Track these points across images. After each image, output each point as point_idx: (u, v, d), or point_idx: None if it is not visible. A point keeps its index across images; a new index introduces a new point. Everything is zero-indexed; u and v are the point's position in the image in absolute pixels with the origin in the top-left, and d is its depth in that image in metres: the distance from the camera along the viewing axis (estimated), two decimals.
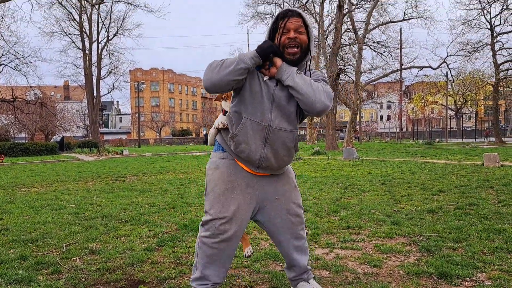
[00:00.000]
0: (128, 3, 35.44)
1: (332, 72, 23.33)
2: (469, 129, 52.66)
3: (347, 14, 25.51)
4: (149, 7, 43.15)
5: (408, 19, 27.81)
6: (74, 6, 38.01)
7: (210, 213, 2.19)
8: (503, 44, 30.76)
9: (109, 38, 40.24)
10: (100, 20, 39.54)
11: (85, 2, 33.96)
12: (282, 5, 35.39)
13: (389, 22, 28.57)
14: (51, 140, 35.70)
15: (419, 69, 27.58)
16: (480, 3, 29.38)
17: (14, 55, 24.49)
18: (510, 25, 29.47)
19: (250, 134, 2.08)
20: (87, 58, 38.73)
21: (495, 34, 30.19)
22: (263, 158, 2.12)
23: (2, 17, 29.40)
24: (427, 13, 44.31)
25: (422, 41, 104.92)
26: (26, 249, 3.63)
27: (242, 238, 2.77)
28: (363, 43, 26.05)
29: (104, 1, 35.86)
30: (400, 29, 37.85)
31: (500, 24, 30.05)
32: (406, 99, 62.09)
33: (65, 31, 38.77)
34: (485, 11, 29.83)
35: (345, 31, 27.81)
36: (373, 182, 7.86)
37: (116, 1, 35.97)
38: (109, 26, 40.05)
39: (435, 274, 2.79)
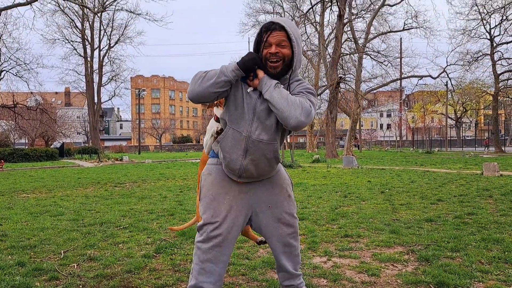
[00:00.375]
0: (130, 12, 35.68)
1: (333, 80, 23.44)
2: (469, 138, 52.67)
3: (348, 24, 25.70)
4: (151, 15, 43.17)
5: (408, 29, 28.00)
6: (77, 14, 38.37)
7: (203, 218, 2.24)
8: (502, 54, 30.91)
9: (111, 45, 40.50)
10: (102, 28, 39.89)
11: (88, 10, 34.19)
12: (282, 14, 35.68)
13: (389, 32, 28.76)
14: (51, 146, 35.73)
15: (419, 78, 27.72)
16: (479, 13, 29.59)
17: (16, 62, 24.63)
18: (509, 36, 29.65)
19: (232, 143, 2.12)
20: (89, 65, 38.94)
21: (494, 44, 30.35)
22: (243, 169, 2.15)
23: (5, 24, 29.58)
24: (427, 23, 44.56)
25: (422, 50, 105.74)
26: (24, 255, 3.63)
27: (248, 235, 2.89)
28: (363, 52, 26.21)
29: (106, 9, 36.11)
30: (400, 38, 38.20)
31: (499, 35, 30.23)
32: (406, 108, 62.23)
33: (67, 38, 39.10)
34: (484, 22, 30.00)
35: (345, 40, 28.00)
36: (372, 190, 7.86)
37: (118, 10, 36.20)
38: (111, 33, 40.36)
39: (432, 284, 2.79)
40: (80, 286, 2.87)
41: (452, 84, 29.54)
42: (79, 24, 38.93)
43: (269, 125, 2.10)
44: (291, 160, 16.21)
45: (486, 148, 37.17)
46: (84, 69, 39.48)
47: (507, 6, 27.76)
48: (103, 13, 37.39)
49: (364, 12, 28.66)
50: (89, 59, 39.09)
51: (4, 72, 24.47)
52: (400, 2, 27.01)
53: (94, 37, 39.50)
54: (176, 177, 12.01)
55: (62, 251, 3.73)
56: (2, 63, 24.30)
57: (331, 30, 30.04)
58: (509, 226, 4.46)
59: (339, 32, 24.59)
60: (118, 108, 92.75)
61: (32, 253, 3.70)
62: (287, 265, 2.40)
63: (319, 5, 26.70)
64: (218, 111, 2.49)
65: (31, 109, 26.68)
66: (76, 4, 32.62)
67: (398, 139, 51.15)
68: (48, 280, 3.00)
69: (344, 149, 24.64)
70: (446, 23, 54.66)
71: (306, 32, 30.42)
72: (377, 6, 26.85)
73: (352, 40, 26.68)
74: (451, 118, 50.56)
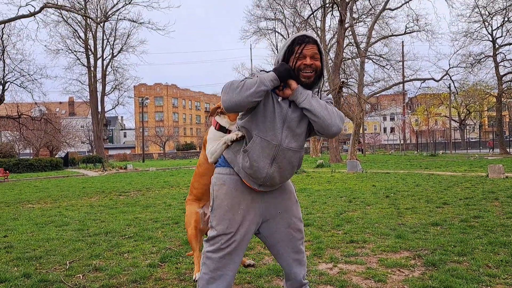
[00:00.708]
0: (133, 21, 35.97)
1: (335, 85, 23.45)
2: (474, 140, 52.37)
3: (349, 28, 25.75)
4: (153, 24, 43.49)
5: (410, 33, 27.98)
6: (80, 24, 38.73)
7: (216, 229, 2.24)
8: (505, 55, 30.83)
9: (114, 55, 40.79)
10: (105, 37, 40.24)
11: (90, 20, 34.51)
12: (283, 21, 35.83)
13: (390, 36, 28.76)
14: (56, 156, 35.88)
15: (422, 81, 27.62)
16: (481, 15, 29.58)
17: (20, 73, 24.81)
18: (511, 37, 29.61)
19: (259, 151, 2.15)
20: (92, 74, 39.19)
21: (497, 46, 30.30)
22: (269, 177, 2.18)
23: (9, 36, 29.85)
24: (428, 26, 44.61)
25: (424, 53, 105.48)
26: (29, 266, 3.64)
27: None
28: (365, 57, 26.20)
29: (109, 19, 36.42)
30: (402, 42, 38.10)
31: (501, 36, 30.23)
32: (409, 111, 62.08)
33: (70, 48, 39.46)
34: (486, 23, 30.00)
35: (347, 45, 28.04)
36: (377, 195, 7.82)
37: (120, 19, 36.51)
38: (113, 43, 40.70)
39: None
40: None
41: (455, 87, 29.39)
42: (82, 34, 39.34)
43: (299, 133, 2.17)
44: None
45: (491, 149, 36.96)
46: (87, 79, 39.75)
47: (509, 7, 27.75)
48: (105, 23, 37.74)
49: (365, 17, 28.70)
50: (92, 68, 39.37)
51: (9, 83, 24.65)
52: (401, 6, 27.06)
53: (97, 47, 39.86)
54: (180, 184, 12.02)
55: (67, 262, 3.74)
56: (6, 74, 24.48)
57: (332, 35, 30.11)
58: None
59: (341, 37, 24.63)
60: (121, 117, 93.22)
61: (37, 264, 3.71)
62: (298, 272, 2.40)
63: (320, 10, 26.79)
64: (221, 119, 2.47)
65: (36, 119, 26.87)
66: (79, 14, 33.00)
67: (402, 142, 50.96)
68: None
69: (348, 154, 24.57)
70: (448, 26, 54.86)
71: None
72: (378, 10, 26.90)
73: (354, 44, 26.69)
74: (454, 121, 50.38)
